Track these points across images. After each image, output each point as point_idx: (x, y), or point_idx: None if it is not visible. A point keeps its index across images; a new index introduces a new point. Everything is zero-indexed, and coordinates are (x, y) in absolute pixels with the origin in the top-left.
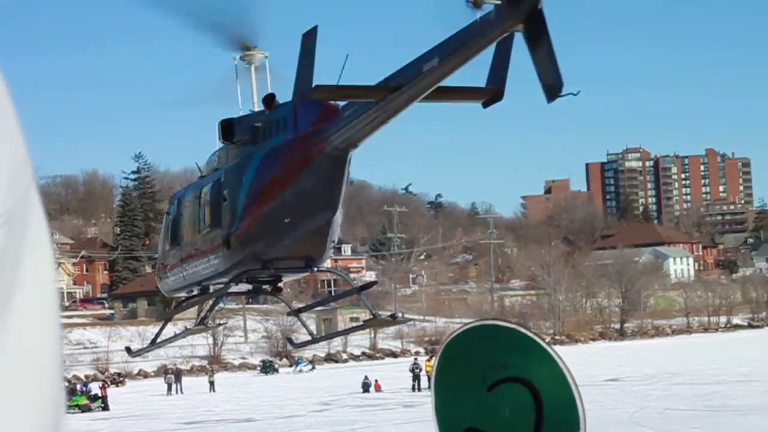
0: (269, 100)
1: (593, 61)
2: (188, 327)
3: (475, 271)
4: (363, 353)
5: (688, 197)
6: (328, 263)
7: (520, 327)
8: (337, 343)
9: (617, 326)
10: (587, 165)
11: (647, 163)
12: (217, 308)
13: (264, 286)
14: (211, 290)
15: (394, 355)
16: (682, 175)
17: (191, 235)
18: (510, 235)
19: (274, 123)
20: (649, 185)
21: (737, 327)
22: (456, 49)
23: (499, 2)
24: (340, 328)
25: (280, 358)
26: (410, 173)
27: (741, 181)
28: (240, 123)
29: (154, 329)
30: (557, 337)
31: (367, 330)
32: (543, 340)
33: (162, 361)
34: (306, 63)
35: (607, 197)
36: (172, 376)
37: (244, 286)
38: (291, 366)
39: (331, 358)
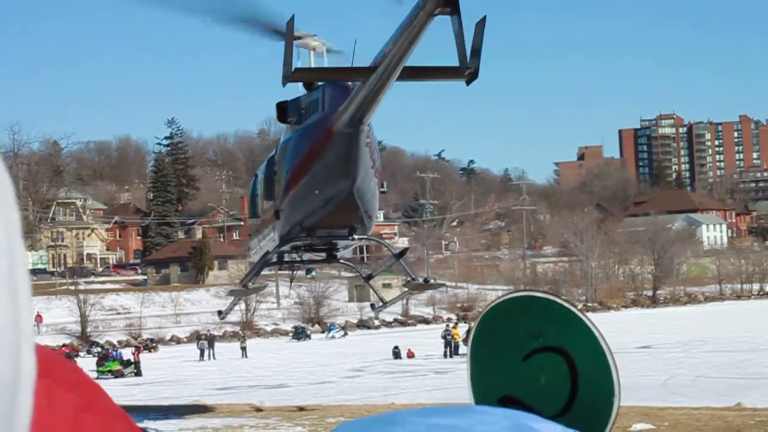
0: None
1: (629, 28)
2: (234, 289)
3: (508, 237)
4: (395, 320)
5: (722, 164)
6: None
7: (556, 297)
8: (368, 309)
9: (650, 293)
10: (620, 131)
11: (680, 130)
12: (311, 276)
13: (320, 255)
14: (274, 259)
15: (426, 321)
16: (716, 142)
17: (260, 209)
18: (543, 201)
19: (310, 104)
20: (682, 152)
21: None
22: (401, 33)
23: None
24: (372, 293)
25: (312, 324)
26: (443, 139)
27: None
28: (291, 105)
29: (186, 295)
30: (589, 304)
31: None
32: (578, 309)
33: (194, 327)
34: (287, 48)
35: (640, 164)
36: (205, 341)
37: (304, 255)
38: (323, 332)
39: (363, 325)
